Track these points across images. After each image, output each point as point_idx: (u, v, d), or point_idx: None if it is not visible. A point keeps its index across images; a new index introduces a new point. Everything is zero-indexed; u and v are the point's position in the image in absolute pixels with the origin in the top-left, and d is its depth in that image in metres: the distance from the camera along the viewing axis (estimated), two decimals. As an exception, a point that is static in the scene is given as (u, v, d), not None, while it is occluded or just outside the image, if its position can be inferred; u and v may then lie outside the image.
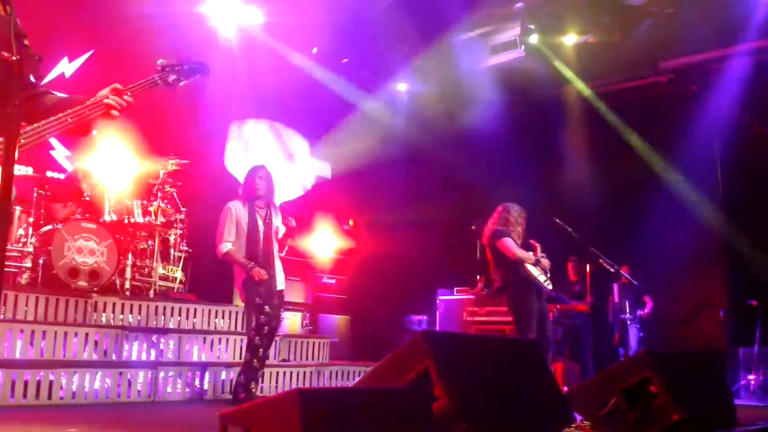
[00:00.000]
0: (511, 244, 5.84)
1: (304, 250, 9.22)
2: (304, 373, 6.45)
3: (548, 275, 5.94)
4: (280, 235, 5.21)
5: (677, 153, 8.68)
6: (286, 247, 5.37)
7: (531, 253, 5.89)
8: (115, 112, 2.58)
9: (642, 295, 8.35)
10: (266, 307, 4.87)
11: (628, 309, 6.92)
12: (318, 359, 6.95)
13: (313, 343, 7.04)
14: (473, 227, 9.52)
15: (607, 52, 8.87)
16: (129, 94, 2.61)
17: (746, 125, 8.60)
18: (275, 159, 9.24)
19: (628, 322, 7.76)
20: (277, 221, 5.18)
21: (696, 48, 8.71)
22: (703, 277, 8.62)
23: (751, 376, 7.40)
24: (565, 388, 6.36)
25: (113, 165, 6.74)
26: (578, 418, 3.90)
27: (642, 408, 3.74)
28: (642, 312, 8.33)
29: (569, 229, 5.98)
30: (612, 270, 6.15)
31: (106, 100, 2.57)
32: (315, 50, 9.45)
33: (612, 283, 8.28)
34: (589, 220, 7.59)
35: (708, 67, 8.79)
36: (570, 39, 9.00)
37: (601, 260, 6.13)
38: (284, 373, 6.23)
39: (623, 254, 6.88)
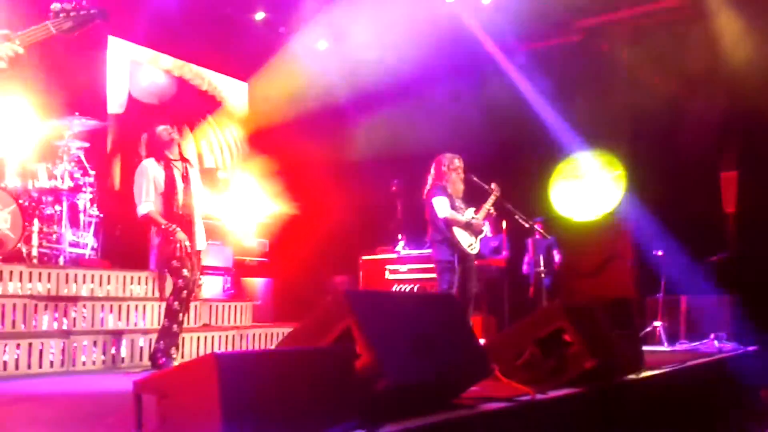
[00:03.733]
0: (443, 205, 5.81)
1: (225, 212, 9.03)
2: (226, 337, 6.36)
3: (478, 237, 5.96)
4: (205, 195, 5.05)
5: (587, 111, 8.92)
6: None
7: (470, 211, 5.91)
8: (2, 64, 2.37)
9: (552, 249, 8.65)
10: (184, 270, 4.71)
11: (542, 263, 7.16)
12: (240, 323, 6.87)
13: (235, 306, 6.95)
14: (393, 188, 9.58)
15: (521, 11, 8.95)
16: (18, 43, 2.39)
17: (656, 85, 8.91)
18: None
19: (542, 276, 8.03)
20: (196, 177, 5.00)
21: (608, 7, 8.92)
22: (611, 230, 8.99)
23: (657, 323, 7.81)
24: (483, 340, 6.55)
25: (12, 125, 6.36)
26: (496, 368, 4.01)
27: (556, 357, 3.89)
28: (554, 265, 8.64)
29: (485, 186, 6.06)
30: (526, 225, 6.31)
31: None
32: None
33: (526, 238, 8.54)
34: (503, 177, 7.72)
35: (621, 27, 9.03)
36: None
37: (516, 216, 6.27)
38: (205, 338, 6.13)
39: (535, 210, 7.08)
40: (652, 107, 8.57)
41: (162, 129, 4.91)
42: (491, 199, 6.03)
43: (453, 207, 5.90)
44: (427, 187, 6.00)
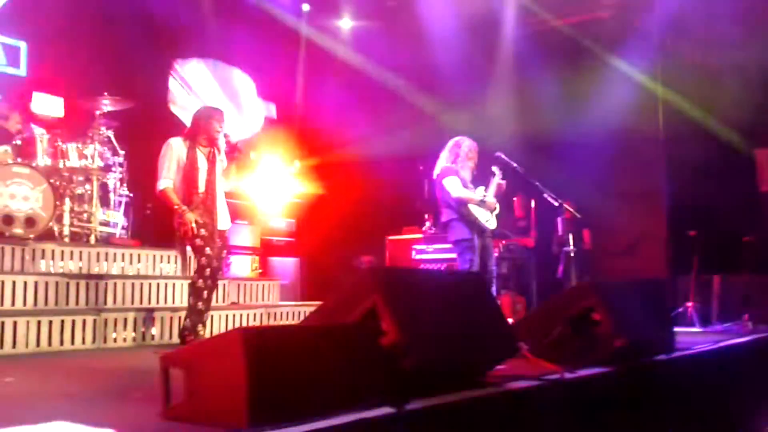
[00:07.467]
0: (455, 184, 5.82)
1: (252, 193, 9.07)
2: (254, 315, 6.41)
3: (493, 213, 5.96)
4: (225, 170, 5.03)
5: (618, 87, 8.74)
6: (232, 176, 5.11)
7: (481, 189, 5.89)
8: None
9: (582, 229, 8.52)
10: (207, 248, 4.73)
11: (571, 242, 7.05)
12: (267, 301, 6.91)
13: (263, 285, 6.99)
14: (421, 167, 9.50)
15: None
16: None
17: (687, 59, 8.68)
18: (220, 100, 8.96)
19: (571, 255, 7.90)
20: (221, 158, 5.00)
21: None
22: (643, 209, 8.83)
23: (689, 304, 7.69)
24: (511, 320, 6.51)
25: (44, 106, 6.43)
26: (524, 347, 3.98)
27: (585, 336, 3.84)
28: (583, 245, 8.51)
29: (514, 164, 5.99)
30: (556, 204, 6.23)
31: None
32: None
33: (556, 217, 8.43)
34: (532, 154, 7.61)
35: (649, 2, 8.80)
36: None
37: (545, 194, 6.19)
38: (233, 315, 6.18)
39: (565, 188, 6.96)
40: (685, 85, 8.38)
41: (213, 121, 4.89)
42: (494, 181, 5.96)
43: (464, 186, 5.92)
44: (438, 169, 5.99)
